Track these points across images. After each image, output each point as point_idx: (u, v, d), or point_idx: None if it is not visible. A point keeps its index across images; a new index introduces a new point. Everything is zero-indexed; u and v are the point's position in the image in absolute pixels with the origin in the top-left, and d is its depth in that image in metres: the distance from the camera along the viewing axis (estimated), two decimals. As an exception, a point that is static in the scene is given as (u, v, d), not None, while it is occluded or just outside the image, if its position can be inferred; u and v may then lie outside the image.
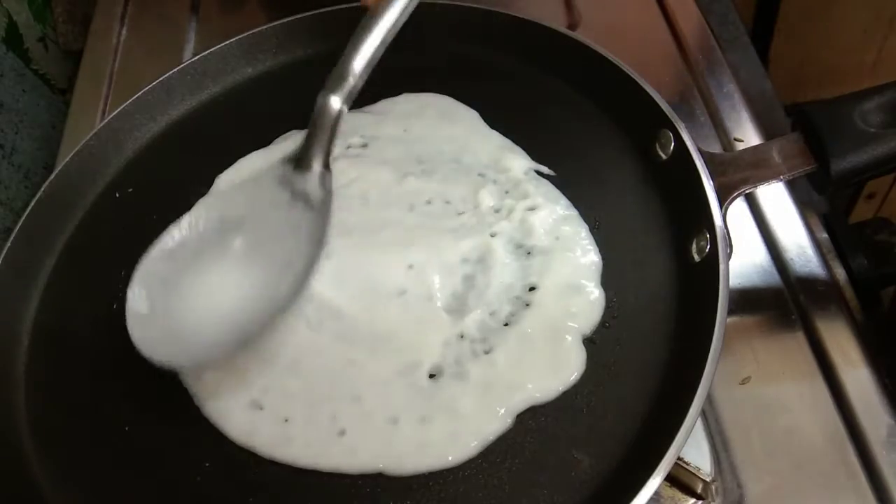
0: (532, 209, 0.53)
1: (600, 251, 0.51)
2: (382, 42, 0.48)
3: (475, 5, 0.64)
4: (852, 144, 0.47)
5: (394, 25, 0.48)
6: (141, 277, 0.48)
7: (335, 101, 0.48)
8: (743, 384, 0.51)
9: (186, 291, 0.48)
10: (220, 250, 0.50)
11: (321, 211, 0.49)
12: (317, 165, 0.50)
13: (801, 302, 0.55)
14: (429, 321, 0.48)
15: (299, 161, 0.50)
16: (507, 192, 0.54)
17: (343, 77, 0.48)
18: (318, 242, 0.48)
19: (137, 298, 0.47)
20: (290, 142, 0.60)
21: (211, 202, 0.53)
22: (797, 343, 0.53)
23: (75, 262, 0.57)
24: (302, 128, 0.60)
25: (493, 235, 0.52)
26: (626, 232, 0.52)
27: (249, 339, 0.47)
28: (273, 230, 0.50)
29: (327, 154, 0.50)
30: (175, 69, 0.63)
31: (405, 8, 0.48)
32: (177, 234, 0.50)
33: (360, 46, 0.48)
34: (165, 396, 0.49)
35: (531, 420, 0.45)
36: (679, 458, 0.43)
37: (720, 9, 0.80)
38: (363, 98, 0.61)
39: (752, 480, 0.48)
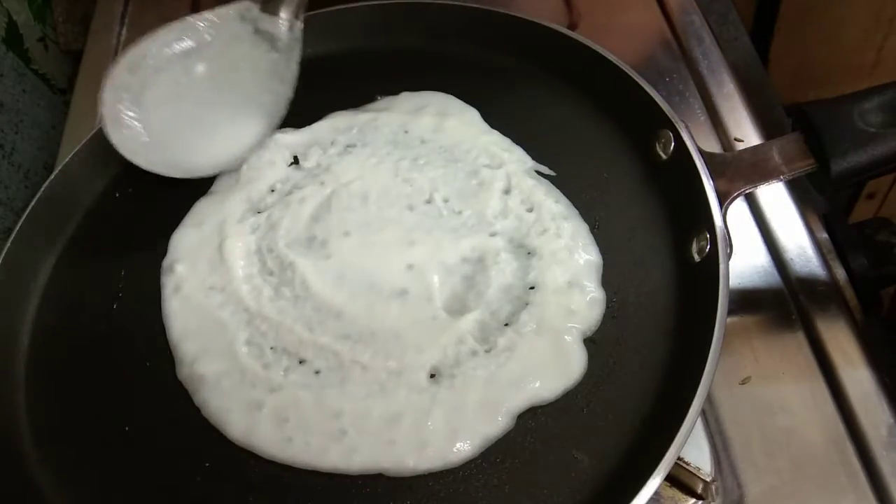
0: (532, 209, 0.53)
1: (600, 251, 0.51)
2: None
3: (475, 5, 0.64)
4: (852, 144, 0.47)
5: None
6: (110, 85, 0.54)
7: None
8: (743, 384, 0.51)
9: (157, 105, 0.55)
10: (183, 71, 0.56)
11: (288, 55, 0.56)
12: (286, 12, 0.56)
13: (801, 302, 0.55)
14: (429, 321, 0.48)
15: (268, 4, 0.55)
16: (507, 192, 0.54)
17: None
18: (288, 83, 0.56)
19: (110, 106, 0.54)
20: (288, 139, 0.60)
21: (170, 27, 0.58)
22: (797, 343, 0.53)
23: (75, 262, 0.57)
24: (300, 126, 0.61)
25: (492, 235, 0.52)
26: (626, 232, 0.52)
27: (227, 167, 0.56)
28: (235, 62, 0.57)
29: (300, 7, 0.56)
30: (175, 69, 0.63)
31: None
32: (138, 49, 0.56)
33: None
34: (165, 396, 0.49)
35: (531, 420, 0.45)
36: (679, 458, 0.43)
37: (720, 9, 0.80)
38: (363, 97, 0.62)
39: (752, 480, 0.48)
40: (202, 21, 0.57)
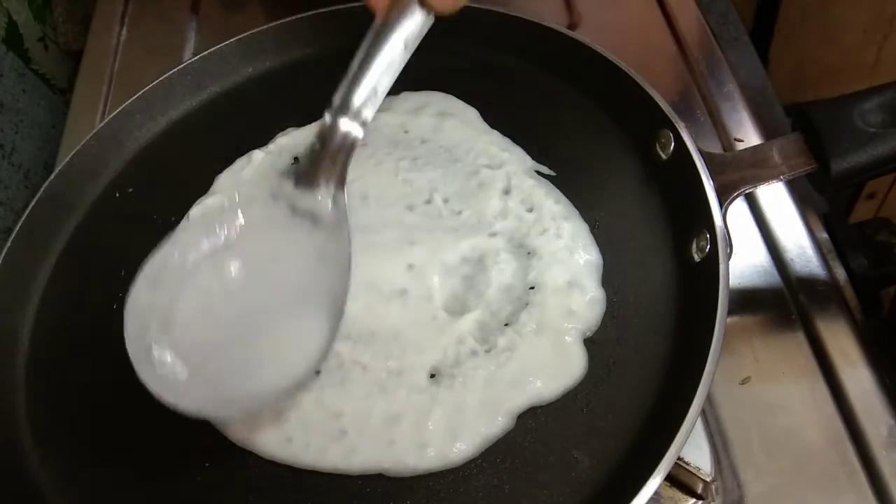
0: (532, 209, 0.53)
1: (600, 251, 0.51)
2: (398, 55, 0.44)
3: (475, 5, 0.64)
4: (852, 144, 0.47)
5: (411, 37, 0.44)
6: (133, 313, 0.43)
7: (346, 125, 0.45)
8: (743, 384, 0.51)
9: (191, 325, 0.44)
10: (214, 275, 0.45)
11: (336, 233, 0.46)
12: (328, 185, 0.46)
13: (801, 302, 0.55)
14: (429, 321, 0.48)
15: (303, 178, 0.46)
16: (506, 192, 0.54)
17: (352, 96, 0.44)
18: (342, 267, 0.45)
19: (136, 340, 0.43)
20: (287, 139, 0.60)
21: (190, 224, 0.48)
22: (797, 343, 0.53)
23: (75, 263, 0.57)
24: (301, 125, 0.61)
25: (492, 235, 0.52)
26: (626, 232, 0.52)
27: (295, 386, 0.43)
28: (274, 252, 0.46)
29: (342, 175, 0.46)
30: (175, 69, 0.63)
31: (423, 21, 0.44)
32: (156, 260, 0.45)
33: (373, 60, 0.44)
34: (165, 396, 0.48)
35: (531, 420, 0.45)
36: (679, 458, 0.43)
37: (720, 9, 0.80)
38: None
39: (752, 480, 0.48)
40: (227, 208, 0.47)
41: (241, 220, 0.46)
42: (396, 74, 0.45)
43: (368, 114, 0.46)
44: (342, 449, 0.45)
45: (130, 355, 0.42)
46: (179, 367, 0.43)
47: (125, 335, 0.43)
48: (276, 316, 0.45)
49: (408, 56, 0.45)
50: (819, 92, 0.99)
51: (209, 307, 0.45)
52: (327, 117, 0.45)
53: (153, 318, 0.44)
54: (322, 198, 0.46)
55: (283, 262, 0.46)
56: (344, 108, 0.45)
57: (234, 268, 0.45)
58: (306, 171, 0.46)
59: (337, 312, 0.44)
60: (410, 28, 0.44)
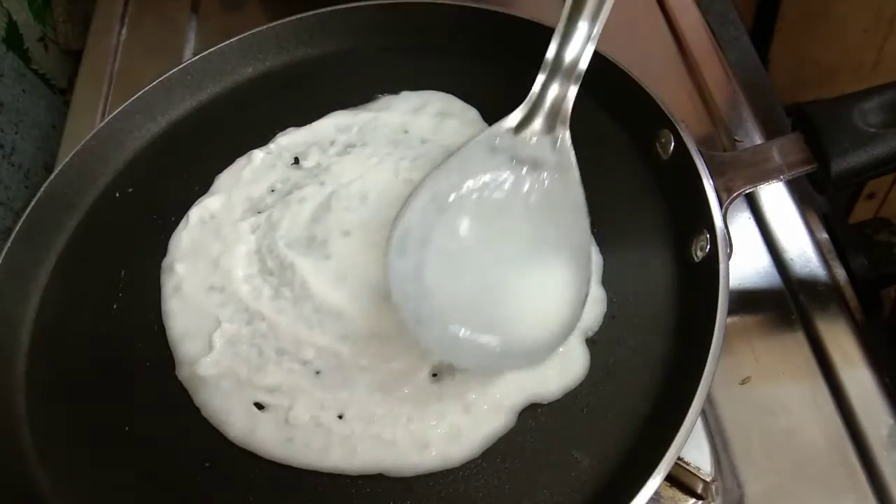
0: (532, 209, 0.53)
1: (600, 251, 0.51)
2: None
3: (475, 5, 0.64)
4: (852, 144, 0.47)
5: None
6: (394, 280, 0.45)
7: (562, 75, 0.46)
8: (743, 384, 0.51)
9: (443, 286, 0.45)
10: (448, 235, 0.45)
11: (564, 175, 0.46)
12: (551, 128, 0.46)
13: (801, 302, 0.55)
14: (430, 321, 0.48)
15: (523, 125, 0.46)
16: (507, 192, 0.54)
17: (565, 48, 0.45)
18: (577, 209, 0.45)
19: (402, 304, 0.44)
20: (287, 139, 0.60)
21: (421, 188, 0.48)
22: (797, 343, 0.53)
23: (75, 263, 0.57)
24: (301, 125, 0.61)
25: (493, 235, 0.52)
26: (626, 232, 0.52)
27: (558, 339, 0.44)
28: (502, 205, 0.46)
29: (565, 116, 0.46)
30: (175, 69, 0.63)
31: None
32: (399, 228, 0.46)
33: (583, 5, 0.45)
34: (165, 396, 0.49)
35: (531, 420, 0.45)
36: (679, 458, 0.43)
37: (720, 9, 0.80)
38: (363, 96, 0.62)
39: (752, 480, 0.48)
40: (448, 168, 0.47)
41: (460, 177, 0.47)
42: (608, 12, 0.46)
43: (584, 62, 0.47)
44: (342, 449, 0.45)
45: (402, 316, 0.44)
46: (445, 326, 0.44)
47: (395, 301, 0.44)
48: (518, 269, 0.45)
49: None
50: (819, 92, 0.99)
51: (451, 266, 0.46)
52: (542, 75, 0.47)
53: (409, 283, 0.45)
54: (543, 142, 0.47)
55: (510, 212, 0.46)
56: (559, 62, 0.47)
57: (463, 223, 0.46)
58: (526, 119, 0.47)
59: (581, 259, 0.44)
60: None
